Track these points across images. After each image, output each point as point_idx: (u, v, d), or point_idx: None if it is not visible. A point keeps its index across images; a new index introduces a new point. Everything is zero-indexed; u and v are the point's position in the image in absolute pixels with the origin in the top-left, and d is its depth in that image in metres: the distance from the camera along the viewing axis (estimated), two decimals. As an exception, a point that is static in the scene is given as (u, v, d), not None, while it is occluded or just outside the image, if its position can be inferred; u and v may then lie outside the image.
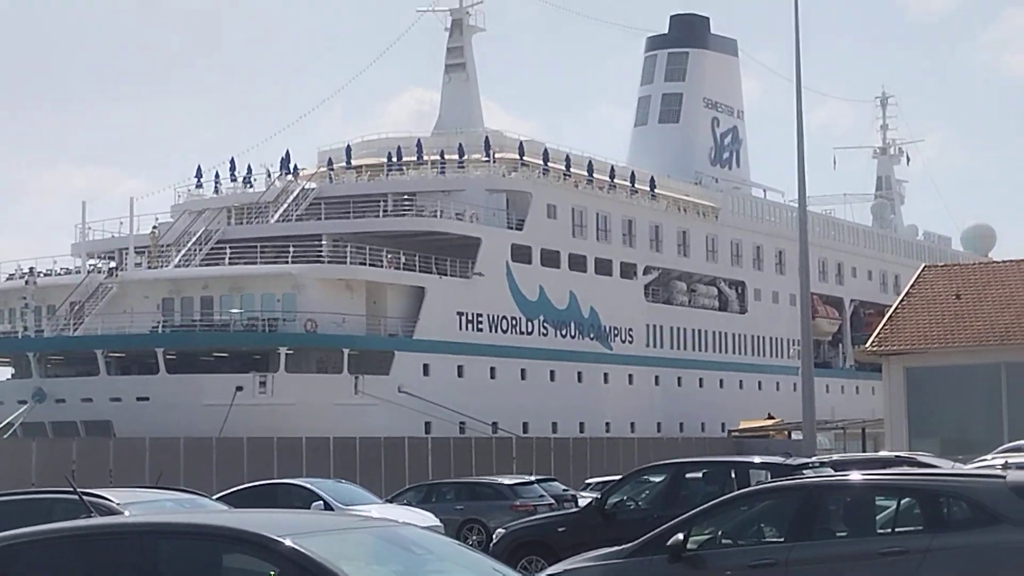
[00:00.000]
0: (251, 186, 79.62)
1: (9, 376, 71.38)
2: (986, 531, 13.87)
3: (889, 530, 14.52)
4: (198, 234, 74.74)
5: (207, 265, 71.71)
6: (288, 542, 8.34)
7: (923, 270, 56.38)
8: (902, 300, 53.60)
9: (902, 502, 14.70)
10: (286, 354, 66.79)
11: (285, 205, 76.35)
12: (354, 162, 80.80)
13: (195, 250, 73.55)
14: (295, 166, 79.97)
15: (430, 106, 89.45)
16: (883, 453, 35.36)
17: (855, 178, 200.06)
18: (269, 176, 79.24)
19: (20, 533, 9.19)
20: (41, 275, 72.70)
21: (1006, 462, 18.54)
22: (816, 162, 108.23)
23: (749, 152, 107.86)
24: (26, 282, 70.65)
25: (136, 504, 16.89)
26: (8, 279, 74.00)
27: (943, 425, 46.76)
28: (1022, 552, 13.63)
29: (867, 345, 52.41)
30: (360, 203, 75.79)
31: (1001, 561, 13.65)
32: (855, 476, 16.66)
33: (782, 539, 14.82)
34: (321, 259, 70.46)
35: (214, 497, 26.35)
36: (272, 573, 8.20)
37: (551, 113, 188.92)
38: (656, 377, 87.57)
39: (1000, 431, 42.08)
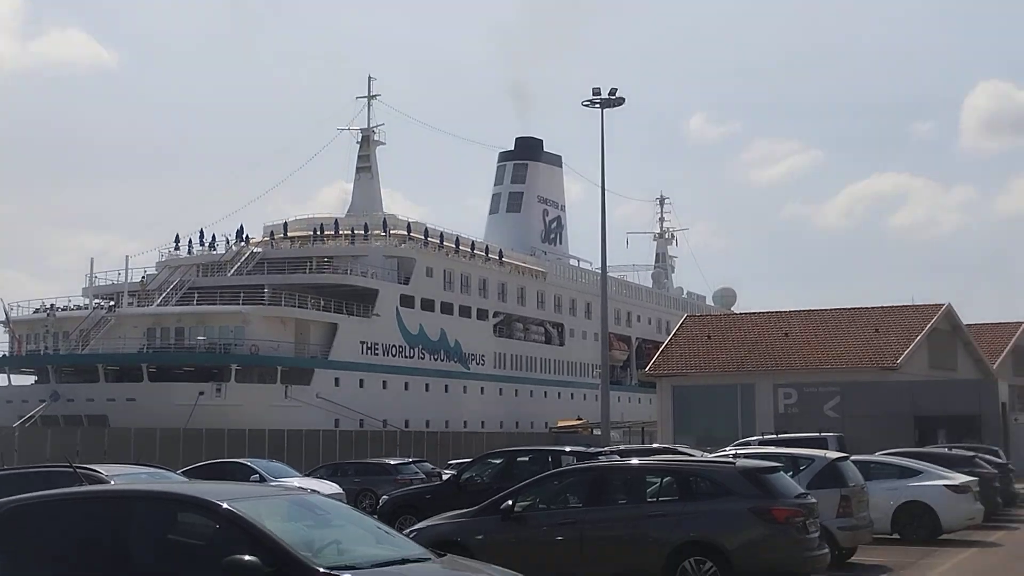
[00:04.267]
0: (215, 250, 78.60)
1: (33, 382, 69.29)
2: (721, 500, 14.07)
3: (655, 499, 14.63)
4: (174, 283, 73.59)
5: (181, 305, 70.54)
6: (225, 505, 8.26)
7: (686, 318, 57.16)
8: (671, 339, 54.28)
9: (664, 479, 14.83)
10: (236, 369, 65.90)
11: (238, 264, 75.43)
12: (290, 234, 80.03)
13: (172, 294, 72.40)
14: (247, 236, 79.19)
15: (348, 195, 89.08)
16: (655, 445, 35.62)
17: (641, 254, 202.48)
18: (228, 243, 78.42)
19: (28, 496, 8.95)
20: (59, 310, 70.90)
21: (736, 453, 18.83)
22: (616, 242, 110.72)
23: (569, 234, 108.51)
24: (47, 315, 69.19)
25: (119, 476, 16.46)
26: (35, 312, 72.02)
27: (697, 426, 47.24)
28: (745, 514, 13.85)
29: (647, 370, 52.94)
30: (293, 263, 75.20)
31: (730, 520, 13.86)
32: (633, 461, 16.80)
33: (580, 505, 14.88)
34: (263, 303, 69.80)
35: (178, 472, 25.80)
36: None
37: (436, 201, 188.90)
38: (501, 389, 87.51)
39: (736, 431, 42.65)
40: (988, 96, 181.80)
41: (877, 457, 24.15)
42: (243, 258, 75.88)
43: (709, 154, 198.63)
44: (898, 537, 21.76)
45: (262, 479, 29.17)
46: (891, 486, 22.08)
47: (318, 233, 79.08)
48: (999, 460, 29.41)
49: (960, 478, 22.76)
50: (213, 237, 79.56)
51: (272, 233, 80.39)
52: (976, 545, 21.37)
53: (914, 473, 22.61)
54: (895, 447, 28.33)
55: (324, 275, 74.66)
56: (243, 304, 68.68)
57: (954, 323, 53.84)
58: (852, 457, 20.29)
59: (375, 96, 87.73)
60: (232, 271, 75.00)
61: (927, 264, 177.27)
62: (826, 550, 14.64)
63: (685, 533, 13.85)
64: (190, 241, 79.46)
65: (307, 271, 74.83)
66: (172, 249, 79.47)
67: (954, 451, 27.66)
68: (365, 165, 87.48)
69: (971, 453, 27.53)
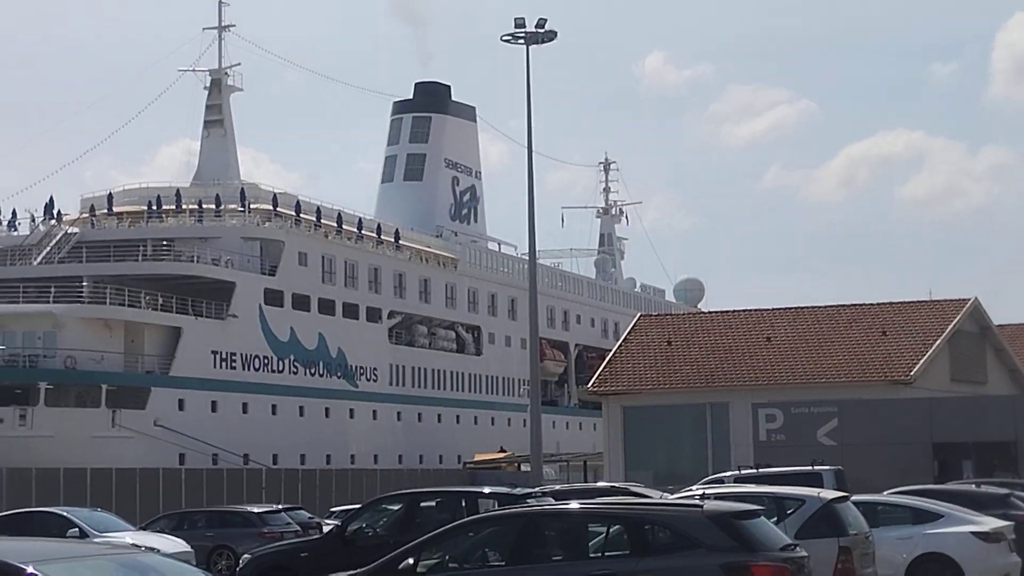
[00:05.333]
0: (15, 230, 77.78)
1: None
2: (685, 555, 14.16)
3: (600, 554, 14.70)
4: (-38, 275, 72.56)
5: (-30, 304, 69.67)
6: (30, 569, 8.18)
7: (639, 318, 57.60)
8: (620, 345, 54.65)
9: (612, 528, 14.90)
10: (46, 389, 65.32)
11: (48, 248, 74.71)
12: (116, 209, 79.36)
13: (-41, 289, 71.37)
14: (58, 212, 78.43)
15: (195, 157, 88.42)
16: (600, 484, 35.88)
17: (581, 235, 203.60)
18: (33, 220, 77.61)
19: None
20: None
21: (704, 493, 19.00)
22: (548, 220, 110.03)
23: (486, 209, 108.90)
24: None
25: None
26: None
27: (655, 458, 47.66)
28: (714, 573, 13.96)
29: (589, 386, 53.32)
30: (120, 248, 74.56)
31: (697, 582, 13.96)
32: (572, 505, 16.86)
33: (504, 563, 14.90)
34: (81, 300, 69.27)
35: (-30, 526, 25.43)
36: None
37: (312, 167, 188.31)
38: (399, 413, 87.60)
39: (705, 464, 43.08)
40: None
41: (886, 497, 24.52)
42: (54, 241, 75.11)
43: (670, 106, 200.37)
44: (913, 600, 22.11)
45: (82, 534, 28.91)
46: (904, 534, 22.43)
47: (154, 208, 78.46)
48: (1040, 499, 30.00)
49: (991, 523, 23.19)
50: (13, 213, 78.74)
51: (93, 208, 79.56)
52: (1011, 608, 21.78)
53: (933, 517, 22.99)
54: (909, 483, 28.78)
55: (163, 263, 74.14)
56: (54, 302, 68.03)
57: (983, 324, 54.87)
58: (854, 497, 20.59)
59: (228, 27, 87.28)
60: (39, 258, 74.21)
61: (948, 248, 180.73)
62: (821, 618, 14.82)
63: (639, 598, 13.94)
64: (-18, 219, 78.52)
65: (140, 258, 74.26)
66: (-42, 230, 78.41)
67: (984, 488, 28.16)
68: (215, 118, 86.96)
69: (1005, 491, 28.03)
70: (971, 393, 49.50)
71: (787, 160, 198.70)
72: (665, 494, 24.59)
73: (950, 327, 50.87)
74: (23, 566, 8.21)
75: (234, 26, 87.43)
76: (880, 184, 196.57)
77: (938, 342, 49.83)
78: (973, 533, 22.56)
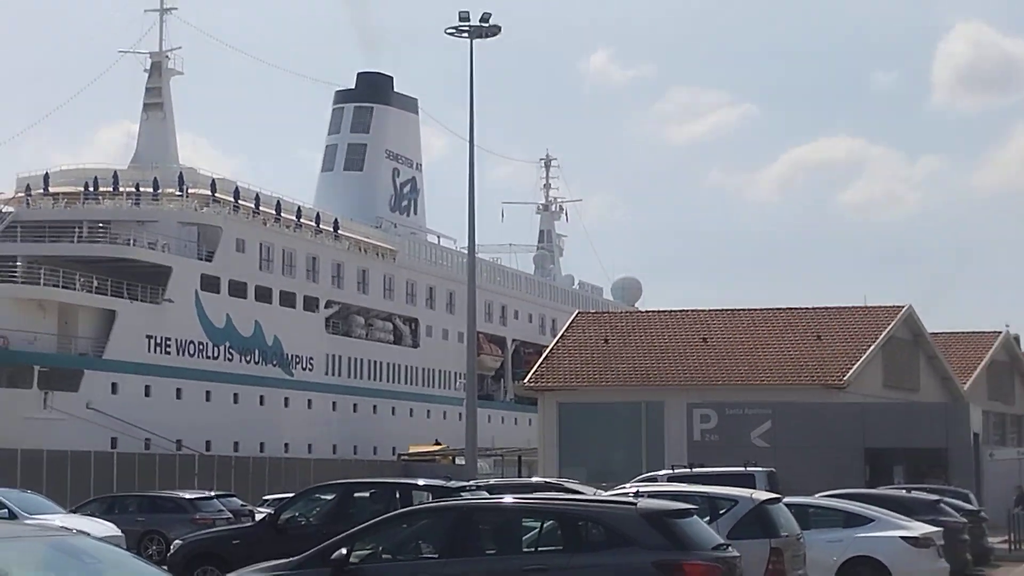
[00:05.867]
0: (-52, 208, 76.98)
1: None
2: (618, 552, 14.19)
3: (533, 549, 14.70)
4: None
5: (-99, 282, 68.99)
6: (-40, 550, 8.06)
7: (577, 315, 57.67)
8: (557, 342, 54.72)
9: (545, 524, 14.90)
10: (-23, 370, 64.81)
11: (-18, 228, 74.01)
12: (52, 189, 78.74)
13: None
14: (-7, 191, 77.71)
15: (134, 140, 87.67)
16: (535, 479, 35.88)
17: (521, 231, 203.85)
18: (-33, 199, 76.85)
19: None
20: None
21: (638, 491, 19.04)
22: (488, 215, 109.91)
23: (426, 201, 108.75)
24: None
25: None
26: None
27: (590, 455, 47.72)
28: (647, 570, 14.00)
29: (525, 381, 53.32)
30: (56, 228, 73.97)
31: (630, 579, 13.99)
32: (506, 499, 16.86)
33: (436, 555, 14.88)
34: (15, 280, 68.86)
35: None
36: None
37: (252, 153, 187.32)
38: (334, 403, 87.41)
39: (639, 462, 43.20)
40: (966, 42, 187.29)
41: (818, 500, 24.69)
42: (-11, 220, 74.41)
43: (613, 104, 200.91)
44: (841, 602, 22.28)
45: (12, 516, 28.67)
46: (835, 537, 22.58)
47: (91, 189, 77.84)
48: (969, 506, 30.35)
49: (921, 528, 23.41)
50: (-53, 191, 77.92)
51: (28, 187, 78.93)
52: (937, 613, 21.98)
53: (864, 521, 23.17)
54: (840, 487, 29.01)
55: (99, 245, 73.66)
56: (-12, 282, 67.43)
57: (916, 331, 55.36)
58: (786, 499, 20.70)
59: (170, 9, 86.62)
60: (-27, 237, 73.49)
61: (884, 254, 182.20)
62: (751, 617, 14.90)
63: (571, 594, 13.95)
64: (-84, 195, 77.71)
65: (75, 240, 73.70)
66: None
67: (914, 494, 28.44)
68: (155, 101, 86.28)
69: (935, 497, 28.34)
70: (903, 399, 49.94)
71: (728, 162, 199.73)
72: (599, 491, 24.63)
73: (884, 333, 51.27)
74: (-48, 546, 8.09)
75: (176, 9, 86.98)
76: (819, 189, 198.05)
77: (872, 348, 50.21)
78: (903, 538, 22.76)
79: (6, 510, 29.41)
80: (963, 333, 65.37)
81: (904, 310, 53.48)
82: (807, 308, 53.71)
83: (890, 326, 51.87)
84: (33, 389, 66.26)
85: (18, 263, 69.99)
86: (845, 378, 48.20)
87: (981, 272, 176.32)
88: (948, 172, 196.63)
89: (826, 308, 53.52)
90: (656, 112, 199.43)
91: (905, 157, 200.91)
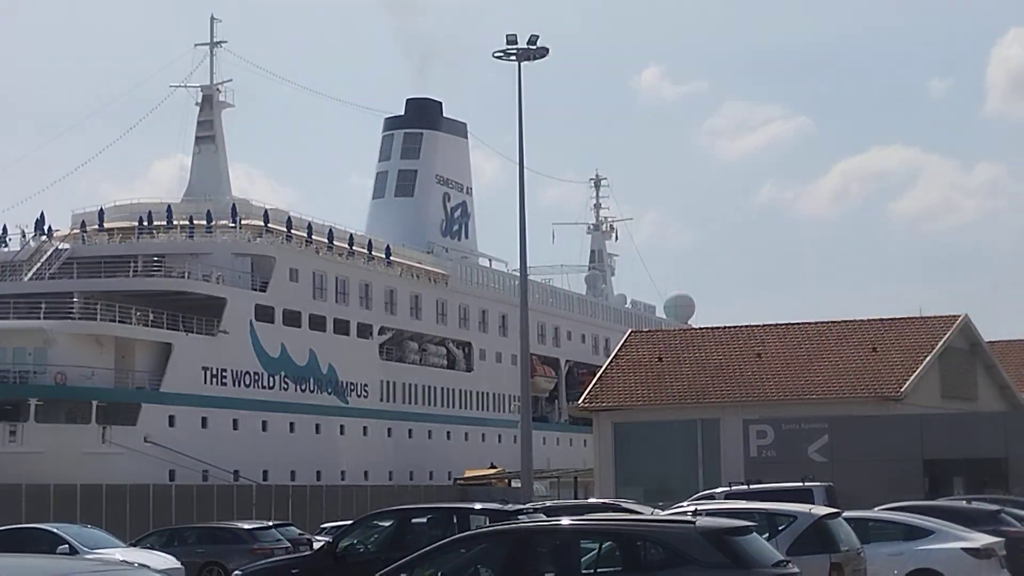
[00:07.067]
0: (6, 246, 77.83)
1: None
2: (678, 571, 14.14)
3: (592, 571, 14.67)
4: (-48, 290, 72.57)
5: (-39, 320, 69.69)
6: (22, 587, 8.11)
7: (630, 335, 57.58)
8: (611, 361, 54.63)
9: (604, 545, 14.88)
10: (36, 405, 65.20)
11: (38, 264, 74.66)
12: (106, 225, 79.26)
13: (-51, 305, 71.40)
14: (49, 227, 78.31)
15: (187, 173, 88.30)
16: (592, 500, 35.84)
17: (572, 251, 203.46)
18: (24, 236, 77.63)
19: None
20: None
21: (696, 509, 18.97)
22: (539, 236, 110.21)
23: (478, 225, 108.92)
24: None
25: None
26: None
27: (646, 474, 47.59)
28: (708, 590, 13.95)
29: (580, 402, 53.24)
30: (111, 263, 74.49)
31: (689, 599, 13.94)
32: (564, 521, 16.84)
33: (495, 579, 14.90)
34: (72, 316, 69.10)
35: (-40, 542, 25.38)
36: None
37: (304, 183, 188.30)
38: (389, 429, 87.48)
39: (696, 480, 43.04)
40: (1022, 46, 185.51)
41: (877, 513, 24.54)
42: (45, 257, 75.01)
43: (664, 121, 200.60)
44: (904, 616, 22.13)
45: (72, 551, 28.85)
46: (895, 550, 22.44)
47: (145, 224, 78.37)
48: (1030, 515, 30.02)
49: (982, 539, 23.21)
50: (4, 229, 78.76)
51: (84, 224, 79.49)
52: (1002, 625, 21.78)
53: (924, 533, 23.01)
54: (900, 499, 28.81)
55: (153, 279, 74.06)
56: (45, 318, 67.91)
57: (973, 340, 54.91)
58: (845, 513, 20.60)
59: (220, 43, 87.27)
60: (30, 274, 74.10)
61: (940, 264, 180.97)
62: (813, 634, 14.81)
63: (632, 615, 13.92)
64: (-28, 235, 78.49)
65: (131, 274, 74.17)
66: (-52, 246, 78.34)
67: (974, 504, 28.20)
68: (207, 134, 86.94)
69: (996, 507, 28.07)
70: (961, 410, 49.52)
71: (781, 176, 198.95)
72: (656, 510, 24.55)
73: (940, 343, 50.90)
74: (14, 584, 8.15)
75: (226, 42, 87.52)
76: (873, 200, 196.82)
77: (928, 358, 49.85)
78: (964, 549, 22.58)
79: (67, 545, 29.59)
80: (1021, 341, 64.87)
81: (960, 319, 53.08)
82: (862, 320, 53.42)
83: (946, 336, 51.50)
84: (92, 424, 66.52)
85: (75, 299, 70.28)
86: (902, 390, 47.87)
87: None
88: (1004, 178, 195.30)
89: (881, 320, 53.22)
90: (708, 128, 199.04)
91: (960, 165, 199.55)
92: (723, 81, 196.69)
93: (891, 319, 53.29)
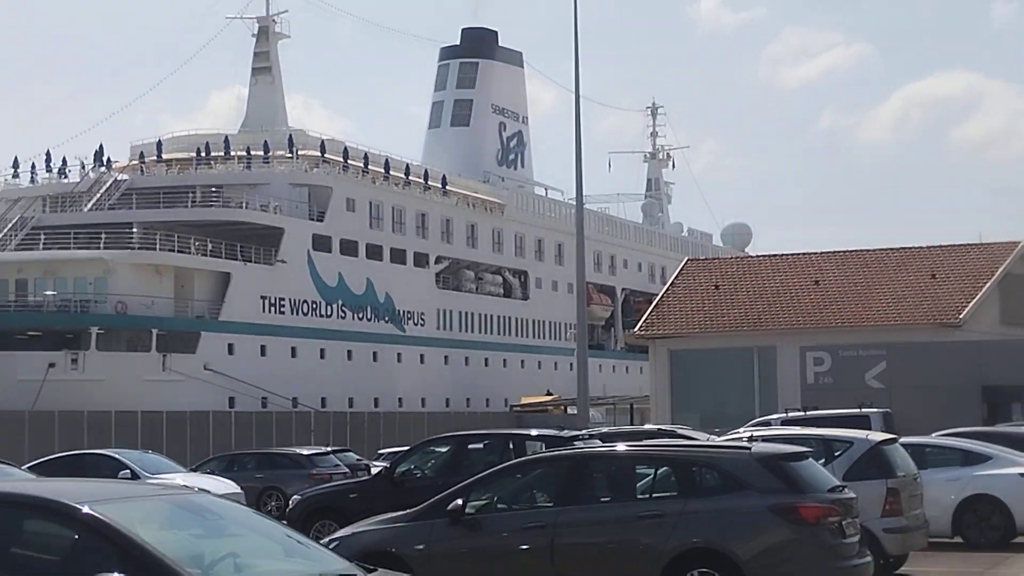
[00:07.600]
0: (66, 177, 78.41)
1: None
2: (733, 496, 14.17)
3: (648, 496, 14.73)
4: (13, 221, 73.49)
5: (22, 250, 70.52)
6: (86, 508, 8.21)
7: (686, 263, 57.37)
8: (667, 290, 54.51)
9: (659, 471, 14.93)
10: (97, 333, 65.93)
11: (98, 195, 75.25)
12: (165, 156, 79.76)
13: (11, 236, 72.32)
14: (108, 159, 78.93)
15: (244, 103, 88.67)
16: (647, 426, 35.88)
17: (629, 180, 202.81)
18: (83, 168, 78.20)
19: None
20: None
21: (751, 435, 18.97)
22: (595, 165, 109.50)
23: (533, 154, 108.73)
24: None
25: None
26: None
27: (702, 402, 47.56)
28: (763, 514, 13.98)
29: (636, 330, 53.19)
30: (169, 194, 74.99)
31: (744, 522, 13.98)
32: (619, 447, 16.88)
33: (551, 504, 14.97)
34: (132, 246, 69.72)
35: (24, 467, 25.76)
36: None
37: (360, 113, 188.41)
38: (445, 357, 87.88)
39: (752, 407, 42.97)
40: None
41: (934, 439, 24.46)
42: (104, 188, 75.59)
43: (723, 49, 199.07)
44: (961, 541, 22.11)
45: (134, 476, 29.20)
46: (952, 476, 22.38)
47: (203, 155, 78.80)
48: (1090, 441, 29.82)
49: (1040, 465, 23.11)
50: (64, 161, 79.31)
51: (142, 155, 80.00)
52: (1060, 551, 21.71)
53: (982, 459, 22.93)
54: (957, 426, 28.69)
55: (212, 209, 74.48)
56: (105, 248, 68.53)
57: (1033, 266, 54.36)
58: (902, 439, 20.53)
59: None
60: (90, 205, 74.72)
61: (1001, 190, 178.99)
62: (868, 558, 14.82)
63: (687, 539, 13.97)
64: (33, 166, 79.31)
65: (189, 204, 74.63)
66: (9, 177, 79.08)
67: (1032, 430, 28.03)
68: (263, 65, 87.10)
69: (1054, 433, 27.90)
70: (1021, 336, 49.13)
71: (841, 103, 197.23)
72: (712, 437, 24.57)
73: (1000, 269, 50.42)
74: (78, 505, 8.24)
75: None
76: (934, 126, 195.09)
77: (988, 285, 49.41)
78: (1022, 475, 22.49)
79: (128, 471, 29.94)
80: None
81: (1021, 245, 52.52)
82: (921, 247, 52.96)
83: (1007, 262, 50.99)
84: (152, 352, 67.25)
85: (134, 229, 70.90)
86: (961, 316, 47.52)
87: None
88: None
89: (940, 247, 52.74)
90: (768, 55, 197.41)
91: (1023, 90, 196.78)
92: (782, 7, 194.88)
93: (951, 245, 52.80)
